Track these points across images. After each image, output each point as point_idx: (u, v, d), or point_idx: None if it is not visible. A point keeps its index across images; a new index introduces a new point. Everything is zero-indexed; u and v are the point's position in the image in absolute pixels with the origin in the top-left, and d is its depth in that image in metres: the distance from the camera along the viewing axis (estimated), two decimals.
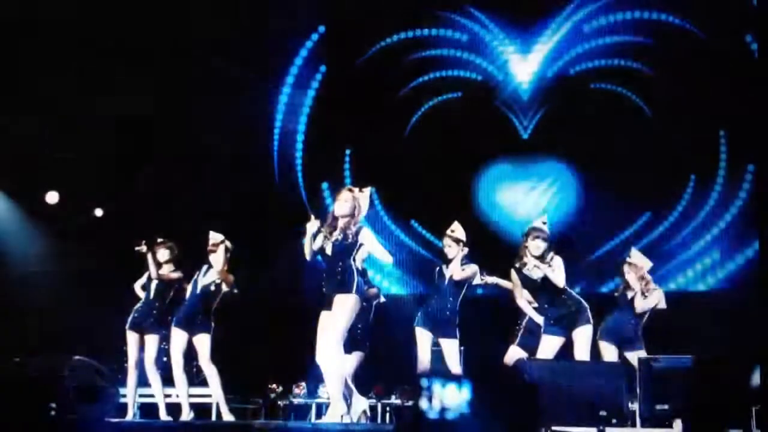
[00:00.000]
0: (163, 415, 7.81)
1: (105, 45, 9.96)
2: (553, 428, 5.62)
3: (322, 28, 11.21)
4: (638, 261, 7.59)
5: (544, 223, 7.23)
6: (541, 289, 7.11)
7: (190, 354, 7.86)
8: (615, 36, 10.59)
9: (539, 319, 7.27)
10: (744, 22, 9.82)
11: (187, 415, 7.71)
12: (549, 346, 7.05)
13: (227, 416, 7.69)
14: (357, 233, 6.22)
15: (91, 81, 9.94)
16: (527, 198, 10.74)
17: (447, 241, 7.43)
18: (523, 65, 10.88)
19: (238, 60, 10.44)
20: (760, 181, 9.92)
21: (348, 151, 11.21)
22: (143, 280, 8.05)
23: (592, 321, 7.12)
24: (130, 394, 7.86)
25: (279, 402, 9.70)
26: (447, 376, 4.15)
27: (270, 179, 11.20)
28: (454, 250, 7.37)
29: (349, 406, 6.44)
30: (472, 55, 11.07)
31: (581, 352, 7.03)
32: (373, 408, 9.07)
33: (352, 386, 6.65)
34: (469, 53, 11.07)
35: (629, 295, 7.50)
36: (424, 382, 4.03)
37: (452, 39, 11.08)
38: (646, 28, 10.47)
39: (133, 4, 10.02)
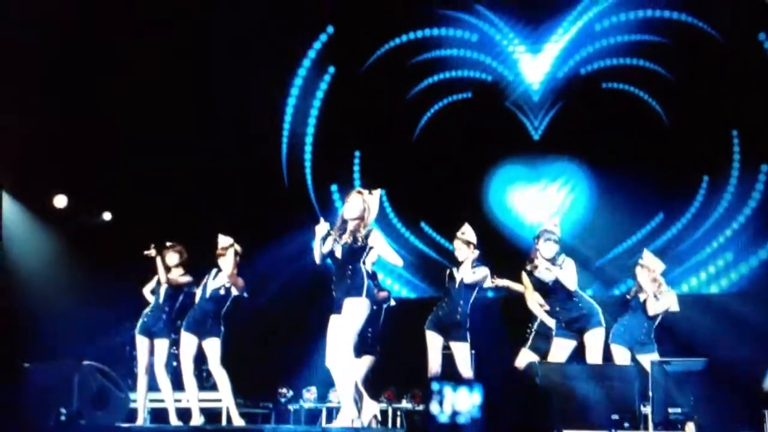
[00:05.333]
0: (174, 420, 7.79)
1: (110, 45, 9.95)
2: None
3: (330, 29, 11.17)
4: (650, 263, 7.51)
5: (556, 225, 7.18)
6: (553, 291, 7.06)
7: (200, 358, 7.84)
8: (626, 35, 10.50)
9: (551, 322, 7.22)
10: (757, 20, 9.73)
11: (197, 420, 7.68)
12: (561, 349, 7.01)
13: (237, 421, 7.66)
14: (367, 236, 6.18)
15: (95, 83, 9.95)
16: (538, 200, 10.66)
17: (457, 243, 7.40)
18: (534, 65, 10.81)
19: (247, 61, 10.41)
20: None
21: (357, 153, 11.16)
22: (152, 284, 8.02)
23: (604, 324, 7.07)
24: (140, 400, 7.85)
25: (289, 406, 9.67)
26: (458, 380, 4.11)
27: (279, 182, 11.15)
28: (464, 253, 7.34)
29: (359, 410, 6.40)
30: (482, 55, 11.00)
31: (593, 355, 6.98)
32: (383, 412, 9.03)
33: (363, 390, 6.61)
34: (478, 53, 11.01)
35: (641, 297, 7.43)
36: (435, 386, 4.01)
37: (462, 39, 11.02)
38: (657, 27, 10.38)
39: (139, 4, 9.99)
